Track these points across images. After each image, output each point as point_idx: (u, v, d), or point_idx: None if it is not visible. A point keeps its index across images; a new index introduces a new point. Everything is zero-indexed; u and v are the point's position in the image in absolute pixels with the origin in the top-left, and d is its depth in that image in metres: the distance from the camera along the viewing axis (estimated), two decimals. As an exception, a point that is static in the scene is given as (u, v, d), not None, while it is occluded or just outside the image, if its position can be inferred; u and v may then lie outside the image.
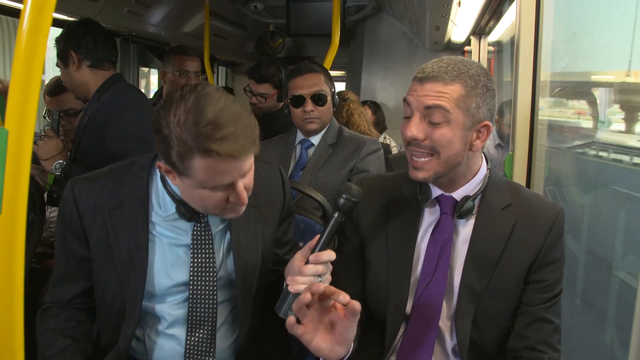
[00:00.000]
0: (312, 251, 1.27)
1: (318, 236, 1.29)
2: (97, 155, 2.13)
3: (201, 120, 1.16)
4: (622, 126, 2.16)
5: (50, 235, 2.76)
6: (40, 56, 0.96)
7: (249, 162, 1.27)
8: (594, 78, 2.30)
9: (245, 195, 1.30)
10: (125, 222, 1.41)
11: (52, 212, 2.77)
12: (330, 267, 1.29)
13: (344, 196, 1.27)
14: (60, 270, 1.47)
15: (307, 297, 1.14)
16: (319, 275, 1.26)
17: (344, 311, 1.16)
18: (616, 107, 2.20)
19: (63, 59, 2.25)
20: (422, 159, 1.34)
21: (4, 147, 0.96)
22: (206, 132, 1.15)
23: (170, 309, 1.45)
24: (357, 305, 1.14)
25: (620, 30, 1.83)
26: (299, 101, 2.34)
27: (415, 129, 1.31)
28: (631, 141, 2.06)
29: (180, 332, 1.46)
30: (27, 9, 0.93)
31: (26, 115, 0.98)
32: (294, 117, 2.40)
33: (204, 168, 1.20)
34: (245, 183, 1.30)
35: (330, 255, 1.26)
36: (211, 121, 1.16)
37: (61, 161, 2.17)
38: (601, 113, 2.25)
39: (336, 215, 1.28)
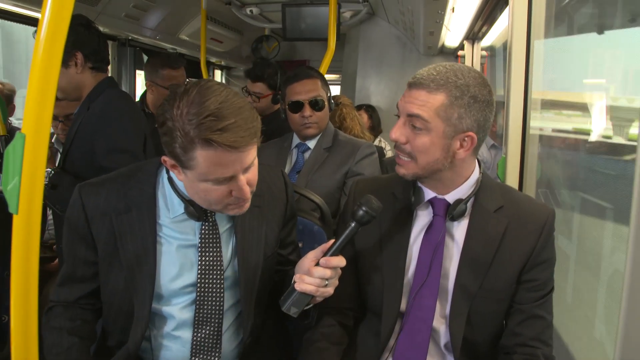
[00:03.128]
0: (324, 254, 1.31)
1: (332, 240, 1.33)
2: (86, 165, 2.12)
3: (203, 112, 1.19)
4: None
5: (49, 237, 2.78)
6: (56, 64, 1.00)
7: (251, 156, 1.29)
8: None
9: (247, 190, 1.32)
10: (133, 226, 1.42)
11: (52, 214, 2.79)
12: (339, 272, 1.33)
13: (363, 208, 1.31)
14: (67, 272, 1.49)
15: None
16: (327, 279, 1.30)
17: None
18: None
19: (65, 59, 2.18)
20: (404, 159, 1.39)
21: (21, 151, 1.00)
22: (207, 123, 1.19)
23: (178, 311, 1.46)
24: None
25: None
26: (297, 107, 2.37)
27: (399, 132, 1.37)
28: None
29: (187, 333, 1.47)
30: (45, 18, 0.97)
31: (42, 120, 1.02)
32: (292, 122, 2.43)
33: (206, 159, 1.23)
34: (248, 178, 1.32)
35: (340, 261, 1.31)
36: (213, 113, 1.19)
37: (49, 169, 2.13)
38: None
39: (353, 225, 1.32)
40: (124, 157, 2.03)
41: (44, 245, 2.64)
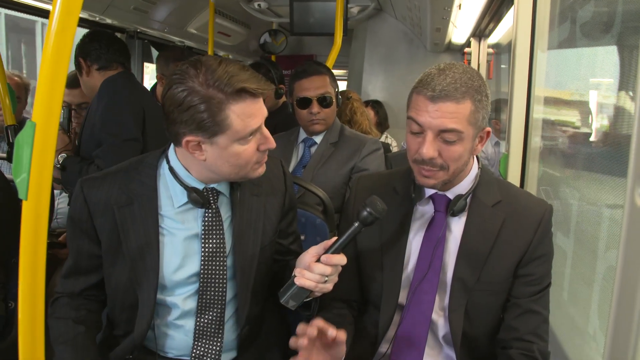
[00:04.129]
0: (326, 251, 1.33)
1: (335, 238, 1.35)
2: (90, 150, 2.35)
3: (223, 74, 1.29)
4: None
5: (57, 225, 2.82)
6: (66, 55, 1.02)
7: (264, 105, 1.40)
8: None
9: (272, 140, 1.41)
10: (135, 219, 1.44)
11: (60, 203, 2.84)
12: (339, 269, 1.35)
13: (367, 209, 1.32)
14: (72, 265, 1.51)
15: (313, 332, 1.26)
16: (327, 276, 1.32)
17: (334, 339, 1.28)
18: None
19: (78, 68, 2.49)
20: (434, 170, 1.38)
21: (32, 138, 1.03)
22: (233, 79, 1.29)
23: (182, 301, 1.48)
24: (342, 336, 1.27)
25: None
26: (305, 103, 2.38)
27: (432, 149, 1.33)
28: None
29: (190, 322, 1.49)
30: (56, 11, 1.00)
31: (52, 109, 1.05)
32: (300, 118, 2.45)
33: (239, 114, 1.31)
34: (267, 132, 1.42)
35: (341, 259, 1.32)
36: (228, 73, 1.29)
37: (64, 154, 2.40)
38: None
39: (356, 224, 1.33)
40: (111, 139, 2.27)
41: (52, 234, 2.68)
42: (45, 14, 3.17)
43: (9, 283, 2.01)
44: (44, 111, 1.04)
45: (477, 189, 1.45)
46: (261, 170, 1.44)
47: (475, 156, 1.48)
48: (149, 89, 3.31)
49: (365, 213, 1.33)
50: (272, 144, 1.40)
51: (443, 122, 1.31)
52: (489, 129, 1.40)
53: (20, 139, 1.05)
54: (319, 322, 1.28)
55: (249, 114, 1.32)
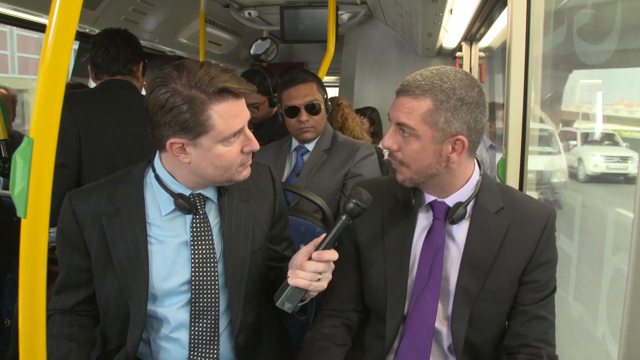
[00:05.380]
0: (317, 249, 1.32)
1: (324, 235, 1.33)
2: None
3: (204, 75, 1.31)
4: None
5: (50, 240, 2.78)
6: (64, 69, 1.01)
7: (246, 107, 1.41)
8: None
9: (256, 142, 1.41)
10: (123, 229, 1.43)
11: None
12: (332, 266, 1.34)
13: (353, 201, 1.32)
14: (62, 280, 1.50)
15: None
16: (320, 273, 1.31)
17: None
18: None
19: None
20: (398, 165, 1.41)
21: (30, 154, 1.01)
22: (214, 79, 1.30)
23: (175, 312, 1.47)
24: None
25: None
26: (293, 111, 2.38)
27: (390, 140, 1.39)
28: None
29: (184, 335, 1.48)
30: (52, 25, 0.98)
31: (50, 124, 1.03)
32: (289, 126, 2.44)
33: (221, 114, 1.32)
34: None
35: (332, 255, 1.31)
36: (210, 74, 1.31)
37: None
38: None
39: (344, 217, 1.32)
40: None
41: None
42: (42, 28, 3.15)
43: (3, 300, 1.98)
44: (42, 126, 1.03)
45: (480, 196, 1.44)
46: (246, 173, 1.45)
47: (476, 163, 1.47)
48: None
49: (351, 205, 1.32)
50: (255, 145, 1.41)
51: (399, 115, 1.35)
52: (461, 137, 1.34)
53: (18, 155, 1.03)
54: None
55: (231, 114, 1.33)
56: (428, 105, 1.32)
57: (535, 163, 2.35)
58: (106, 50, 2.33)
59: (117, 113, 2.26)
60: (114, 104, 2.28)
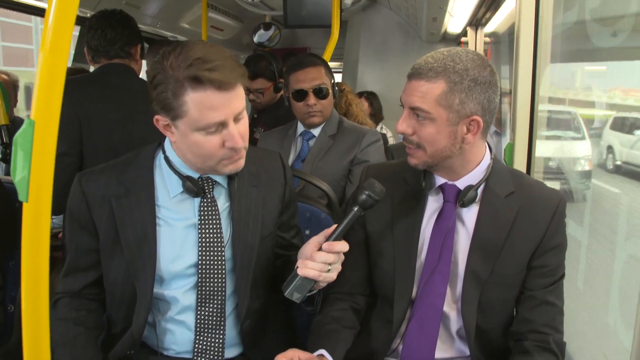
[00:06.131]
0: (327, 239, 1.30)
1: (335, 225, 1.32)
2: None
3: (190, 57, 1.26)
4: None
5: (53, 225, 2.78)
6: (64, 52, 1.00)
7: (240, 101, 1.33)
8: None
9: (239, 139, 1.34)
10: (132, 209, 1.44)
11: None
12: (342, 257, 1.33)
13: (366, 192, 1.30)
14: (71, 262, 1.50)
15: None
16: (330, 264, 1.29)
17: None
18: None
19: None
20: (413, 149, 1.39)
21: (31, 137, 1.00)
22: (196, 65, 1.25)
23: (181, 295, 1.47)
24: None
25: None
26: (301, 95, 2.35)
27: (405, 124, 1.37)
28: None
29: (190, 317, 1.48)
30: (52, 8, 0.97)
31: (52, 107, 1.02)
32: (296, 110, 2.41)
33: (196, 103, 1.27)
34: (239, 130, 1.35)
35: (343, 246, 1.31)
36: (200, 57, 1.26)
37: None
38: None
39: (356, 209, 1.31)
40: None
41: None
42: (41, 12, 3.12)
43: (7, 286, 1.97)
44: (43, 109, 1.02)
45: (490, 180, 1.43)
46: (233, 167, 1.40)
47: (488, 147, 1.46)
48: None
49: (364, 196, 1.31)
50: (237, 143, 1.34)
51: (412, 99, 1.33)
52: (476, 117, 1.34)
53: (19, 138, 1.02)
54: (294, 354, 1.29)
55: (208, 105, 1.28)
56: (442, 87, 1.30)
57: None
58: (103, 33, 2.27)
59: (117, 97, 2.22)
60: (113, 88, 2.24)
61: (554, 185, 2.98)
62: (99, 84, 2.26)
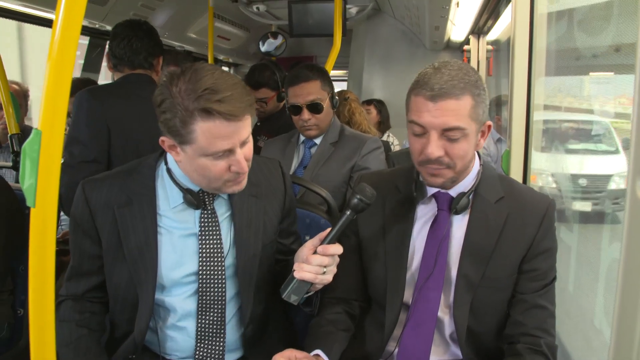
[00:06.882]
0: (322, 243, 1.34)
1: (329, 229, 1.36)
2: None
3: (200, 87, 1.27)
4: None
5: (61, 232, 2.84)
6: (70, 62, 1.03)
7: (247, 129, 1.35)
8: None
9: (245, 164, 1.37)
10: (134, 218, 1.47)
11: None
12: (337, 259, 1.36)
13: (357, 196, 1.33)
14: (74, 266, 1.54)
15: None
16: (325, 266, 1.33)
17: None
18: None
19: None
20: (441, 169, 1.38)
21: (38, 146, 1.04)
22: (206, 96, 1.26)
23: (182, 302, 1.50)
24: None
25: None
26: (296, 110, 2.39)
27: (437, 149, 1.34)
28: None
29: (191, 324, 1.51)
30: (59, 20, 1.01)
31: (57, 116, 1.06)
32: (294, 122, 2.46)
33: (205, 132, 1.29)
34: (244, 153, 1.37)
35: (337, 249, 1.33)
36: (209, 87, 1.27)
37: None
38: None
39: (348, 213, 1.35)
40: (73, 146, 2.13)
41: (59, 240, 2.69)
42: (48, 23, 3.19)
43: (16, 290, 2.02)
44: (49, 119, 1.06)
45: (480, 186, 1.46)
46: (237, 187, 1.44)
47: (477, 153, 1.49)
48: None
49: (355, 200, 1.34)
50: (242, 169, 1.37)
51: (445, 120, 1.31)
52: (489, 122, 1.40)
53: (27, 147, 1.06)
54: (291, 353, 1.32)
55: (216, 134, 1.30)
56: (470, 101, 1.32)
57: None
58: (129, 43, 2.29)
59: (141, 108, 2.22)
60: (137, 98, 2.25)
61: (585, 207, 2.91)
62: (124, 93, 2.29)
